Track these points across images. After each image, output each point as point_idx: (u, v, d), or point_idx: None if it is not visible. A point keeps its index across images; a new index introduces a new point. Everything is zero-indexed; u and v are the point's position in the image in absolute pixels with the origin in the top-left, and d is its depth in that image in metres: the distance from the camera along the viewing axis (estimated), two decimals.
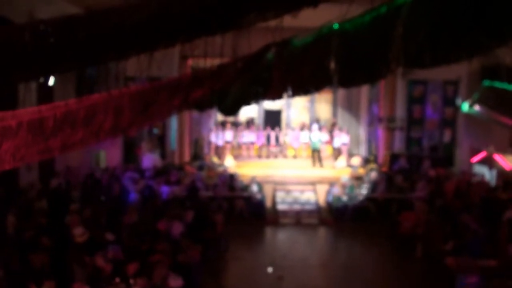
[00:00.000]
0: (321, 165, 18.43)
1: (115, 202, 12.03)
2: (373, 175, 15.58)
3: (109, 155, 15.60)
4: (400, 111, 17.66)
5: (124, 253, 8.01)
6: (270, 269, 10.11)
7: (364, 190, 14.87)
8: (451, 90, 17.44)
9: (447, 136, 17.58)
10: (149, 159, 16.57)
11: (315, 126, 19.67)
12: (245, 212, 14.36)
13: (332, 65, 5.24)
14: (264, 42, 5.66)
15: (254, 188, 15.09)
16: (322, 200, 15.23)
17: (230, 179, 15.42)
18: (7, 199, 10.59)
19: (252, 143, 20.15)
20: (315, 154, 18.63)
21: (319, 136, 18.97)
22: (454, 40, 4.26)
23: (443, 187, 13.55)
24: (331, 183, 15.49)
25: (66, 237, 8.70)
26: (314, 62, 5.50)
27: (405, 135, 17.73)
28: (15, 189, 11.65)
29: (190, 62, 17.24)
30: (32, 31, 3.81)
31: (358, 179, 16.22)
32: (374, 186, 14.96)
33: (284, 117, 22.74)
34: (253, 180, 15.35)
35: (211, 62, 5.42)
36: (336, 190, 14.94)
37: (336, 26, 5.13)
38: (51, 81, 12.70)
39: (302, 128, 20.47)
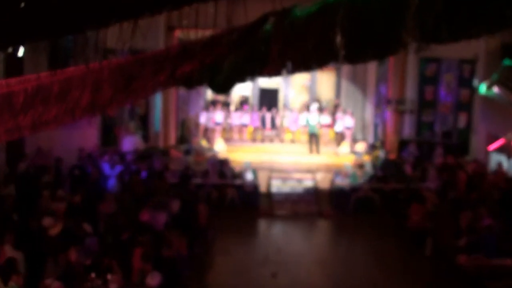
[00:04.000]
0: (318, 151, 18.42)
1: (92, 189, 11.97)
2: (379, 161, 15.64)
3: (85, 136, 15.49)
4: (410, 92, 17.68)
5: (101, 246, 8.01)
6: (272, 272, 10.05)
7: (368, 179, 14.94)
8: (467, 70, 17.45)
9: (462, 120, 17.63)
10: (130, 141, 16.53)
11: (313, 107, 19.63)
12: (237, 202, 14.41)
13: (338, 38, 5.19)
14: (262, 12, 5.62)
15: (247, 175, 15.13)
16: (322, 190, 15.29)
17: (221, 165, 15.42)
18: None
19: (246, 126, 20.11)
20: (313, 139, 18.60)
21: (318, 119, 18.91)
22: (474, 12, 4.24)
23: (456, 177, 13.61)
24: (336, 171, 15.51)
25: (36, 228, 8.69)
26: (317, 34, 5.46)
27: (416, 119, 17.76)
28: None
29: (178, 33, 17.10)
30: None
31: (362, 167, 16.25)
32: (379, 174, 15.03)
33: (281, 96, 22.68)
34: (246, 166, 15.37)
35: (202, 34, 5.37)
36: (341, 179, 15.00)
37: None
38: (21, 51, 12.54)
39: (302, 109, 20.42)
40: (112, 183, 12.86)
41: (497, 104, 15.73)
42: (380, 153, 16.28)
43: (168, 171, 14.04)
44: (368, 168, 15.57)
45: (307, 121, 18.81)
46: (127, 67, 5.44)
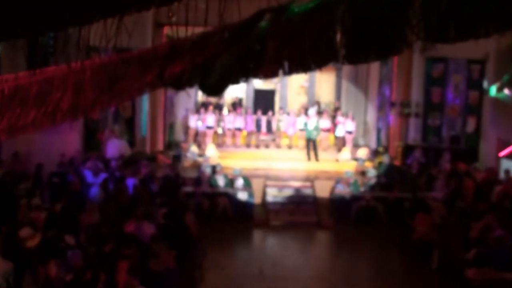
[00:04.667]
0: (316, 158, 18.43)
1: (73, 197, 11.89)
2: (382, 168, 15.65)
3: (66, 141, 15.45)
4: (416, 94, 17.76)
5: (83, 259, 7.95)
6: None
7: (371, 187, 14.98)
8: (476, 71, 17.56)
9: (470, 125, 17.73)
10: (115, 146, 16.49)
11: (312, 111, 19.65)
12: (229, 212, 14.39)
13: (338, 36, 5.23)
14: (257, 8, 5.60)
15: (240, 183, 15.13)
16: (321, 199, 15.32)
17: (212, 172, 15.41)
18: None
19: (239, 130, 20.12)
20: (311, 145, 18.56)
21: (316, 123, 18.88)
22: (483, 9, 4.26)
23: (464, 185, 13.63)
24: (336, 179, 15.54)
25: (13, 239, 8.64)
26: (316, 32, 5.49)
27: (422, 123, 17.84)
28: None
29: (167, 30, 17.12)
30: None
31: (364, 174, 16.30)
32: (383, 182, 15.06)
33: (278, 99, 22.73)
34: (236, 173, 15.35)
35: (192, 31, 5.37)
36: (341, 188, 15.04)
37: None
38: None
39: (300, 112, 20.45)
40: (95, 191, 12.86)
41: (508, 107, 15.78)
42: (384, 159, 16.29)
43: (156, 179, 14.00)
44: (371, 176, 15.56)
45: (305, 125, 18.80)
46: (112, 67, 5.38)
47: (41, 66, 5.56)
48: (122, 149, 16.55)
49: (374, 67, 19.94)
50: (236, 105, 22.08)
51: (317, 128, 18.61)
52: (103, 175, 13.61)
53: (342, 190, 15.01)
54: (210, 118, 19.75)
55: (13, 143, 13.53)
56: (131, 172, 13.92)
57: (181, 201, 12.74)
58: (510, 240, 9.76)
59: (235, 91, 22.22)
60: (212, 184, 14.94)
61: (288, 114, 20.74)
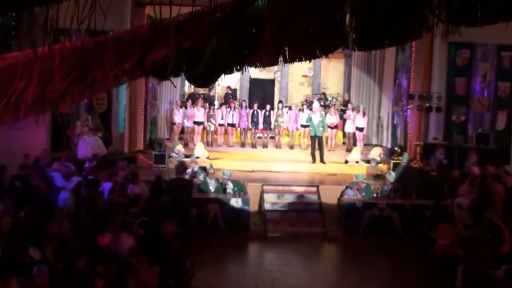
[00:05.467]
0: (322, 159, 18.41)
1: (39, 204, 11.80)
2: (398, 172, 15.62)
3: (31, 138, 15.42)
4: (437, 86, 17.77)
5: (51, 276, 7.93)
6: None
7: (385, 193, 14.95)
8: (507, 58, 17.62)
9: (501, 121, 17.78)
10: (88, 145, 16.42)
11: (317, 104, 19.64)
12: (220, 221, 14.35)
13: (347, 18, 5.26)
14: None
15: (233, 187, 15.03)
16: (327, 206, 15.27)
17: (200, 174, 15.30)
18: None
19: (233, 126, 20.13)
20: (316, 143, 18.50)
21: (322, 118, 18.71)
22: None
23: (493, 191, 13.62)
24: (348, 184, 15.37)
25: None
26: (321, 13, 5.49)
27: (444, 119, 17.86)
28: None
29: (148, 10, 17.07)
30: None
31: (378, 178, 16.26)
32: (399, 187, 15.05)
33: (277, 90, 22.69)
34: (225, 176, 15.13)
35: (178, 11, 5.37)
36: (351, 194, 14.96)
37: None
38: None
39: (303, 106, 20.41)
40: (64, 197, 12.69)
41: None
42: (403, 160, 16.25)
43: (135, 183, 13.99)
44: (386, 180, 15.53)
45: (310, 121, 18.71)
46: (85, 53, 5.43)
47: (1, 51, 5.58)
48: (96, 148, 16.46)
49: (389, 54, 19.86)
50: (228, 98, 21.98)
51: (323, 124, 18.52)
52: (75, 179, 13.57)
53: (352, 196, 14.89)
54: (198, 113, 19.70)
55: None
56: (107, 175, 13.87)
57: (165, 209, 12.66)
58: None
59: (228, 81, 22.13)
60: (202, 189, 14.87)
61: (289, 108, 20.68)
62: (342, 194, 15.17)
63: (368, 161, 18.17)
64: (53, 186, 13.17)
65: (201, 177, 14.93)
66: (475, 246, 10.94)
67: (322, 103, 20.54)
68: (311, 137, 18.63)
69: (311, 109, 19.68)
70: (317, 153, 18.45)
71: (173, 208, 12.70)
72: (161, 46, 5.68)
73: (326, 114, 19.35)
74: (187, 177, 14.95)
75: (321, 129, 18.42)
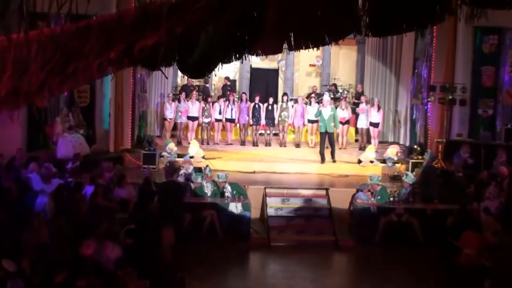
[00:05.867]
0: (333, 158, 18.43)
1: (11, 210, 11.81)
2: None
3: (5, 136, 15.50)
4: (461, 76, 17.84)
5: None
6: None
7: (404, 197, 14.91)
8: None
9: None
10: (68, 143, 16.48)
11: (326, 97, 19.51)
12: (218, 229, 14.36)
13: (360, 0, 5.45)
14: None
15: (232, 191, 15.00)
16: (338, 212, 15.24)
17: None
18: None
19: (231, 121, 20.25)
20: (326, 141, 18.45)
21: (333, 112, 18.62)
22: None
23: None
24: (360, 187, 15.48)
25: None
26: None
27: (469, 113, 17.94)
28: None
29: None
30: None
31: (395, 179, 16.24)
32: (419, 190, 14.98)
33: (281, 81, 22.66)
34: (221, 179, 15.14)
35: None
36: (365, 198, 14.99)
37: None
38: None
39: (309, 99, 20.28)
40: (42, 201, 12.77)
41: None
42: (426, 159, 16.09)
43: (122, 186, 13.97)
44: (403, 182, 15.37)
45: (319, 114, 18.60)
46: (65, 40, 5.48)
47: None
48: (77, 147, 16.53)
49: (408, 41, 20.03)
50: (227, 90, 22.06)
51: (334, 119, 18.50)
52: (56, 181, 13.56)
53: (366, 200, 14.94)
54: (193, 107, 19.82)
55: None
56: (90, 178, 13.91)
57: (155, 216, 12.69)
58: None
59: (226, 72, 22.29)
60: (197, 192, 14.91)
61: (295, 101, 20.79)
62: (354, 198, 15.24)
63: (383, 161, 18.22)
64: (30, 189, 13.21)
65: (198, 179, 15.00)
66: (504, 256, 10.86)
67: (332, 96, 20.43)
68: (321, 133, 18.70)
69: (319, 102, 19.80)
70: (327, 151, 18.45)
71: (164, 214, 12.74)
72: (151, 32, 5.72)
73: (336, 108, 19.39)
74: (180, 179, 15.01)
75: (332, 124, 18.45)
